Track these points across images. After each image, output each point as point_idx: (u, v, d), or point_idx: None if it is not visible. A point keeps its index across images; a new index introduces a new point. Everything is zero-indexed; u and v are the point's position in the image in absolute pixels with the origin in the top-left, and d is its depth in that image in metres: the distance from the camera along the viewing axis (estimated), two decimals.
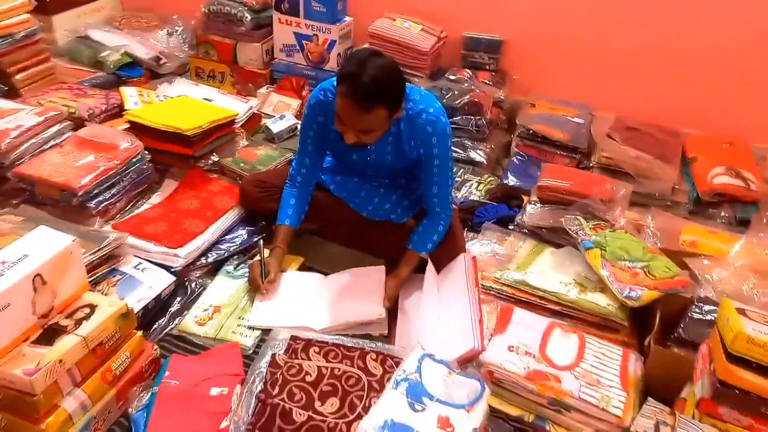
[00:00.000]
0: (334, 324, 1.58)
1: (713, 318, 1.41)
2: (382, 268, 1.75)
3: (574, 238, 1.78)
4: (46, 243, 1.27)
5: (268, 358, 1.37)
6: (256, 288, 1.67)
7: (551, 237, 1.90)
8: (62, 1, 2.87)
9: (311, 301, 1.68)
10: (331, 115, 1.66)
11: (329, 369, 1.33)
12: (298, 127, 2.53)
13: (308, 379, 1.30)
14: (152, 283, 1.59)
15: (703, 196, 2.14)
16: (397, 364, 1.35)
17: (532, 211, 1.93)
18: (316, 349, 1.40)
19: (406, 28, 2.60)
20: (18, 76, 2.33)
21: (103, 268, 1.56)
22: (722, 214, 2.11)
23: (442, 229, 1.75)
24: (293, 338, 1.44)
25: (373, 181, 1.87)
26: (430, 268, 1.68)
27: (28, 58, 2.37)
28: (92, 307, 1.30)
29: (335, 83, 1.59)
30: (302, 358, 1.36)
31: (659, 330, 1.49)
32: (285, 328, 1.51)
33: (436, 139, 1.63)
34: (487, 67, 2.62)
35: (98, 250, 1.54)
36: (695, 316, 1.50)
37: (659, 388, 1.39)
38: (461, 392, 1.24)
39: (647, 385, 1.42)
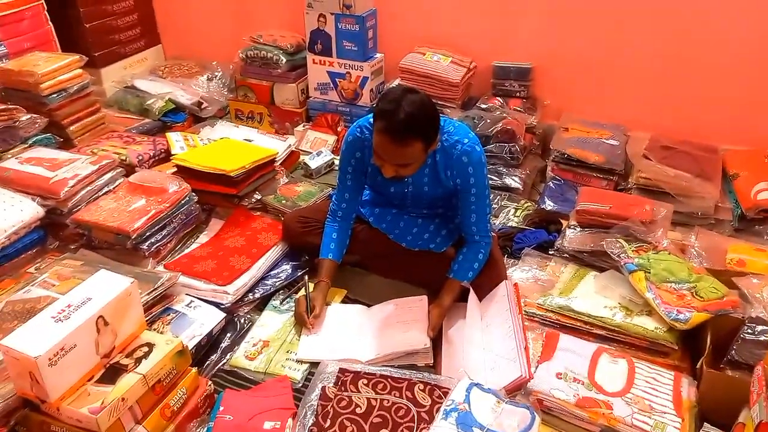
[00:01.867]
0: (380, 355, 1.60)
1: (767, 338, 1.38)
2: (425, 297, 1.77)
3: (617, 261, 1.77)
4: (106, 285, 1.35)
5: (318, 391, 1.40)
6: (302, 323, 1.71)
7: (593, 261, 1.89)
8: (109, 54, 3.06)
9: (356, 333, 1.70)
10: (368, 150, 1.72)
11: (378, 401, 1.35)
12: (335, 162, 2.62)
13: (358, 411, 1.33)
14: (204, 320, 1.65)
15: (748, 212, 2.09)
16: (445, 394, 1.37)
17: (572, 236, 1.93)
18: (365, 381, 1.42)
19: (436, 61, 2.66)
20: (72, 127, 2.47)
21: (158, 308, 1.63)
22: None
23: (482, 257, 1.76)
24: (342, 371, 1.46)
25: (412, 212, 1.91)
26: (472, 296, 1.70)
27: (81, 110, 2.51)
28: (150, 346, 1.36)
29: (371, 120, 1.65)
30: (351, 391, 1.39)
31: (711, 352, 1.46)
32: (333, 361, 1.55)
33: (472, 169, 1.66)
34: (518, 94, 2.66)
35: (153, 290, 1.61)
36: (747, 336, 1.46)
37: (714, 412, 1.36)
38: (511, 421, 1.25)
39: (701, 410, 1.39)
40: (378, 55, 2.83)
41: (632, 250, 1.77)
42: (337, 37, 2.73)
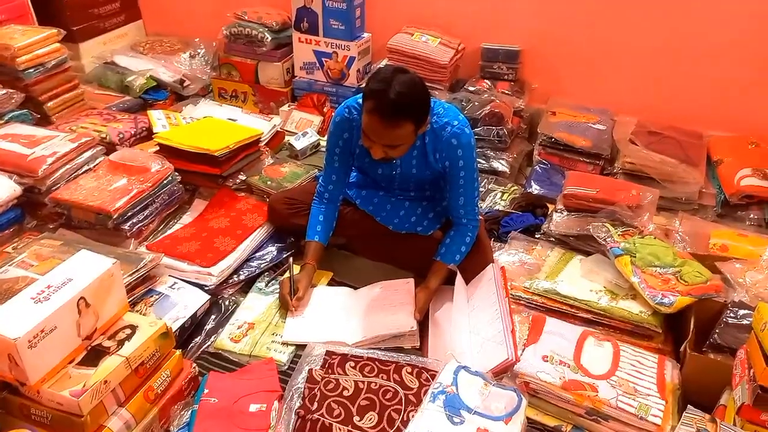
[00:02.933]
0: (366, 338, 1.59)
1: (749, 322, 1.40)
2: (411, 280, 1.76)
3: (603, 246, 1.78)
4: (88, 266, 1.31)
5: (305, 374, 1.39)
6: (286, 305, 1.70)
7: (579, 245, 1.90)
8: (88, 29, 2.97)
9: (342, 316, 1.69)
10: (356, 131, 1.69)
11: (366, 383, 1.35)
12: (321, 143, 2.58)
13: (346, 394, 1.32)
14: (187, 302, 1.63)
15: (731, 198, 2.12)
16: (433, 376, 1.37)
17: (559, 220, 1.93)
18: (352, 364, 1.41)
19: (425, 42, 2.63)
20: (50, 104, 2.40)
21: (141, 289, 1.60)
22: (751, 216, 2.09)
23: (469, 240, 1.76)
24: (329, 353, 1.46)
25: (399, 194, 1.89)
26: (459, 279, 1.69)
27: (59, 86, 2.43)
28: (133, 328, 1.34)
29: (359, 100, 1.63)
30: (339, 373, 1.38)
31: (694, 336, 1.48)
32: (319, 344, 1.54)
33: (462, 151, 1.65)
34: (506, 77, 2.64)
35: (135, 271, 1.58)
36: (730, 321, 1.48)
37: (697, 395, 1.38)
38: (499, 404, 1.25)
39: (684, 392, 1.41)
40: (365, 34, 2.78)
41: (618, 235, 1.78)
42: (324, 15, 2.68)
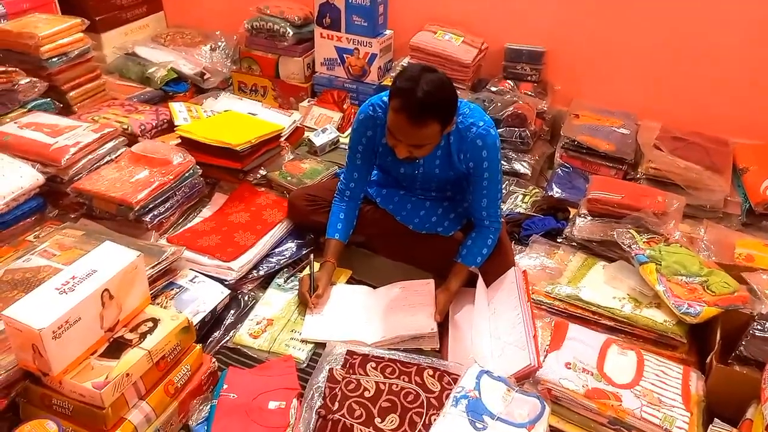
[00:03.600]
0: (385, 338, 1.58)
1: None
2: (431, 281, 1.75)
3: (627, 252, 1.75)
4: (112, 258, 1.31)
5: (325, 373, 1.38)
6: (305, 302, 1.69)
7: (602, 250, 1.87)
8: (110, 19, 2.97)
9: (362, 315, 1.68)
10: (380, 129, 1.68)
11: (387, 385, 1.34)
12: (341, 140, 2.57)
13: (367, 395, 1.31)
14: (207, 296, 1.62)
15: (756, 207, 2.08)
16: (455, 380, 1.35)
17: (582, 224, 1.91)
18: (373, 365, 1.40)
19: (447, 40, 2.60)
20: (72, 93, 2.40)
21: (161, 282, 1.60)
22: None
23: (491, 242, 1.74)
24: (349, 353, 1.44)
25: (420, 194, 1.87)
26: (480, 282, 1.68)
27: (82, 75, 2.44)
28: (155, 321, 1.33)
29: (384, 98, 1.61)
30: (360, 374, 1.37)
31: (720, 348, 1.46)
32: (340, 343, 1.53)
33: (487, 152, 1.63)
34: (529, 78, 2.61)
35: (157, 264, 1.58)
36: (757, 333, 1.45)
37: (722, 407, 1.36)
38: (522, 411, 1.24)
39: (709, 404, 1.38)
40: (387, 31, 2.76)
41: (643, 242, 1.76)
42: (347, 11, 2.66)
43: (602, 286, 1.72)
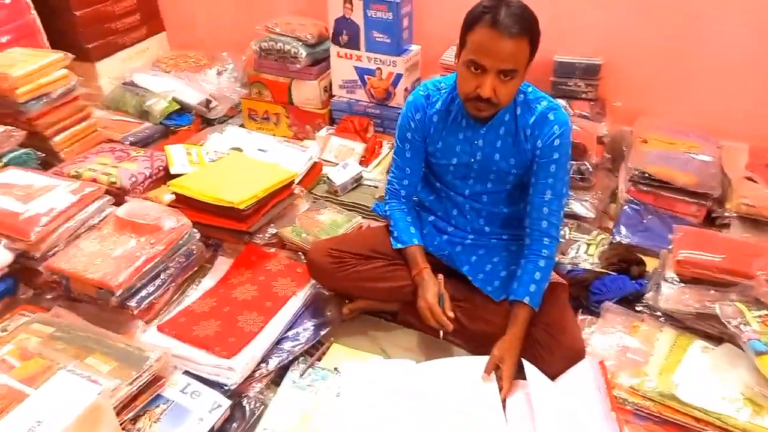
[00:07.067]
0: None
1: None
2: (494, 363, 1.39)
3: (736, 335, 1.36)
4: (66, 399, 0.99)
5: None
6: (440, 322, 1.42)
7: (697, 324, 1.48)
8: (105, 46, 2.69)
9: (409, 415, 1.32)
10: (430, 115, 1.49)
11: None
12: (364, 175, 2.23)
13: None
14: (203, 412, 1.29)
15: None
16: None
17: (669, 292, 1.51)
18: None
19: None
20: (56, 139, 2.10)
21: (144, 398, 1.27)
22: None
23: (545, 265, 1.44)
24: None
25: (469, 196, 1.55)
26: (532, 372, 1.32)
27: (67, 117, 2.14)
28: None
29: (441, 83, 1.49)
30: None
31: None
32: None
33: (559, 129, 1.40)
34: (584, 95, 2.21)
35: (137, 378, 1.25)
36: None
37: None
38: None
39: None
40: (414, 47, 2.40)
41: (757, 320, 1.36)
42: (366, 26, 2.31)
43: (706, 379, 1.34)
